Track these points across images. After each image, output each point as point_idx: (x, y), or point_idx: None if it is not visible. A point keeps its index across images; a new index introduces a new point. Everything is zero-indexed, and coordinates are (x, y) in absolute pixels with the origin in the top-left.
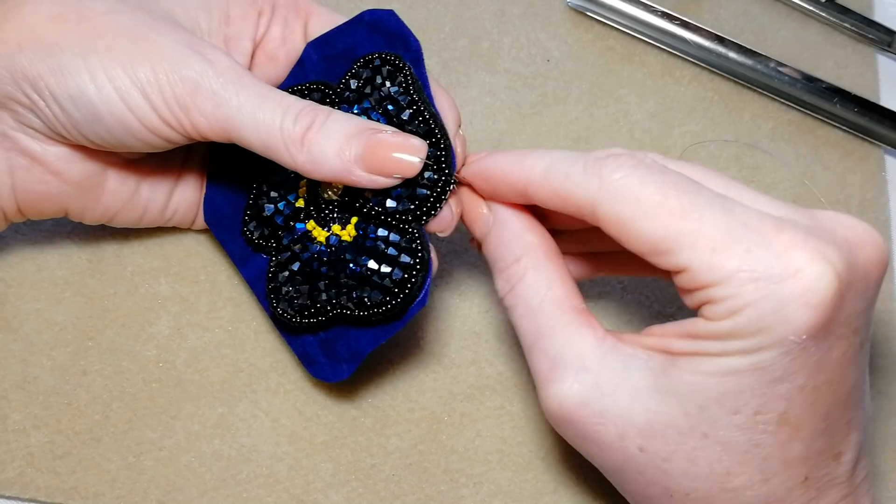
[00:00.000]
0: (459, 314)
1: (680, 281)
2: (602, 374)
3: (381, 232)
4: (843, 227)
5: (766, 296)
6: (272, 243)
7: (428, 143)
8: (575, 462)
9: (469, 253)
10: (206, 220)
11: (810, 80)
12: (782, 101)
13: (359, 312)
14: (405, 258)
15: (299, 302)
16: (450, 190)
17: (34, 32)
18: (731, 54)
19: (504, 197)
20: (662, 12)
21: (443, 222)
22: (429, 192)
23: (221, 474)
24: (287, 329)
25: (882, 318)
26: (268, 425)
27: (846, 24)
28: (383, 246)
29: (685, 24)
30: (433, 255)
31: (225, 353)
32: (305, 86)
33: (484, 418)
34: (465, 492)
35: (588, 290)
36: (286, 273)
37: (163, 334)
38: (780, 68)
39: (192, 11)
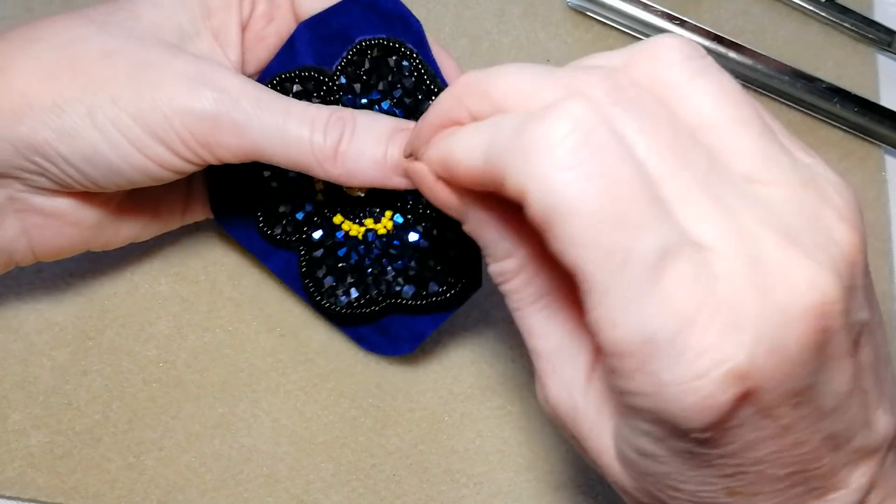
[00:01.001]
0: (460, 314)
1: None
2: (587, 416)
3: (427, 225)
4: (788, 286)
5: (655, 393)
6: (295, 238)
7: None
8: (576, 462)
9: None
10: (216, 218)
11: (810, 80)
12: (782, 101)
13: (418, 303)
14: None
15: (347, 297)
16: None
17: (27, 97)
18: (731, 54)
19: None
20: (662, 12)
21: None
22: None
23: (222, 474)
24: (335, 319)
25: (882, 319)
26: (268, 425)
27: (846, 24)
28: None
29: (685, 24)
30: None
31: (225, 353)
32: (296, 73)
33: (485, 418)
34: (465, 492)
35: None
36: (323, 269)
37: (163, 334)
38: (780, 68)
39: (173, 17)
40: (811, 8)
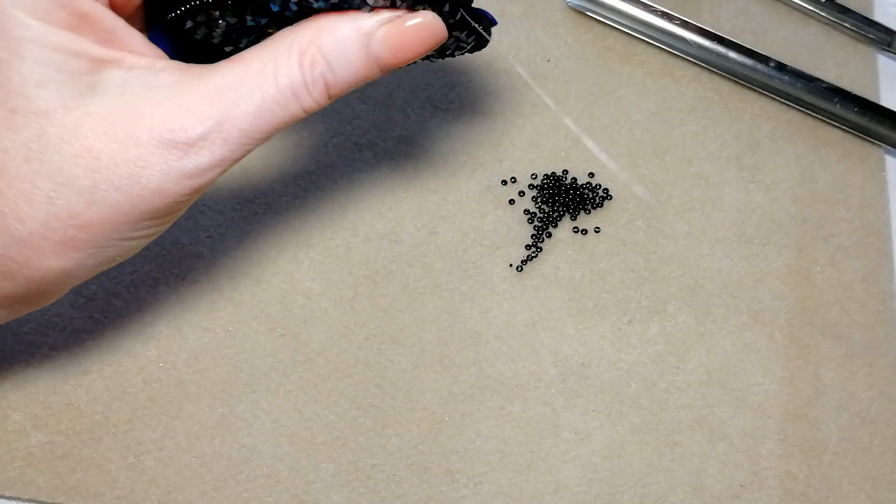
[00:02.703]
0: (460, 314)
1: None
2: None
3: None
4: None
5: None
6: None
7: None
8: (576, 462)
9: (469, 251)
10: None
11: (810, 80)
12: (782, 101)
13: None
14: (469, 41)
15: None
16: None
17: (64, 274)
18: (731, 54)
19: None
20: (662, 12)
21: None
22: None
23: (222, 474)
24: None
25: (882, 318)
26: (268, 425)
27: (846, 24)
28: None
29: (685, 24)
30: None
31: (225, 353)
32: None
33: (485, 419)
34: (465, 492)
35: (588, 288)
36: None
37: (163, 334)
38: (780, 68)
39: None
40: (811, 8)
